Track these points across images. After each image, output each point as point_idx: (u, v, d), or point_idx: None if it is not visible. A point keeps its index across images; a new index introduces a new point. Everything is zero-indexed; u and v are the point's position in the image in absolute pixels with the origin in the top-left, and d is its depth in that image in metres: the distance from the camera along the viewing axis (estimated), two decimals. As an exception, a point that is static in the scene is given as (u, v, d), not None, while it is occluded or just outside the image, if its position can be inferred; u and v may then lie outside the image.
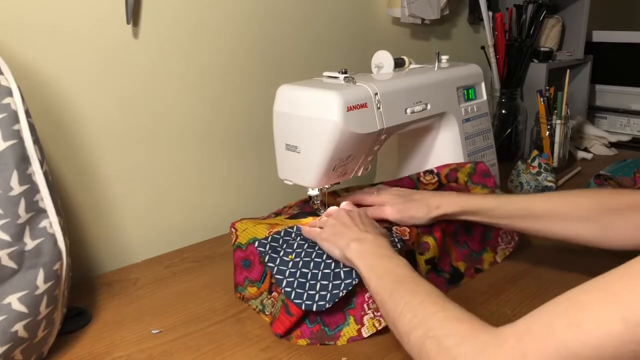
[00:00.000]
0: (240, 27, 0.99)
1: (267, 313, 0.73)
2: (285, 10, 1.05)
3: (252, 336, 0.69)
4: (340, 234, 0.69)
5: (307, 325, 0.69)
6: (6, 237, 0.57)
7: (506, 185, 1.18)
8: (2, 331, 0.56)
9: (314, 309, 0.67)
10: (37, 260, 0.59)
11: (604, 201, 0.70)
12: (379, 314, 0.67)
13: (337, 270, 0.69)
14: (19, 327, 0.58)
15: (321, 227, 0.74)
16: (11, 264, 0.57)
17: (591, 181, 1.15)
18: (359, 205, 0.81)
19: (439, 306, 0.51)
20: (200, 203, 1.01)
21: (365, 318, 0.68)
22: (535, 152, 1.23)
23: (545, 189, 1.18)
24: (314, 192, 0.81)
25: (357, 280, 0.67)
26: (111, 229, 0.91)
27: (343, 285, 0.68)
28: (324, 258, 0.71)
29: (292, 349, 0.67)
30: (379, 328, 0.67)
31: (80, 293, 0.79)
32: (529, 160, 1.21)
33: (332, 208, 0.79)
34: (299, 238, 0.75)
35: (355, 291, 0.69)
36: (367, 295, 0.69)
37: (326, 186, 0.81)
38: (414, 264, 0.77)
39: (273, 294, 0.74)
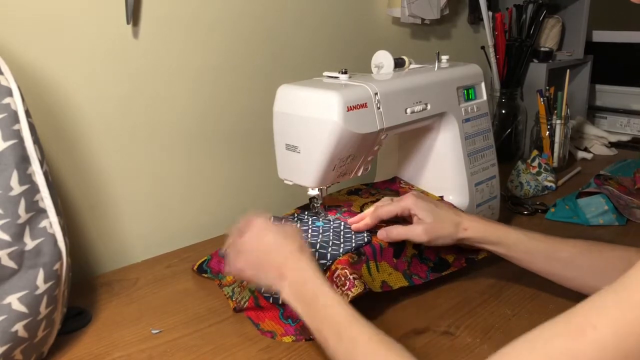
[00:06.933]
0: (240, 27, 0.99)
1: (233, 299, 0.75)
2: (285, 10, 1.05)
3: (252, 336, 0.69)
4: (258, 267, 0.65)
5: (290, 325, 0.69)
6: (6, 237, 0.57)
7: (506, 185, 1.18)
8: (2, 331, 0.56)
9: (280, 301, 0.67)
10: (37, 260, 0.59)
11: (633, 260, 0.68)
12: (346, 288, 0.67)
13: None
14: (19, 327, 0.58)
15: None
16: (11, 264, 0.57)
17: (591, 181, 1.15)
18: (386, 222, 0.77)
19: None
20: (200, 203, 1.01)
21: None
22: (535, 152, 1.23)
23: (545, 189, 1.18)
24: (314, 192, 0.81)
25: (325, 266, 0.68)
26: (111, 229, 0.91)
27: None
28: None
29: (292, 349, 0.67)
30: (349, 300, 0.65)
31: (80, 293, 0.79)
32: (529, 160, 1.21)
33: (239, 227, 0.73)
34: None
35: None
36: (335, 275, 0.69)
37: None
38: (401, 247, 0.77)
39: (243, 282, 0.75)
